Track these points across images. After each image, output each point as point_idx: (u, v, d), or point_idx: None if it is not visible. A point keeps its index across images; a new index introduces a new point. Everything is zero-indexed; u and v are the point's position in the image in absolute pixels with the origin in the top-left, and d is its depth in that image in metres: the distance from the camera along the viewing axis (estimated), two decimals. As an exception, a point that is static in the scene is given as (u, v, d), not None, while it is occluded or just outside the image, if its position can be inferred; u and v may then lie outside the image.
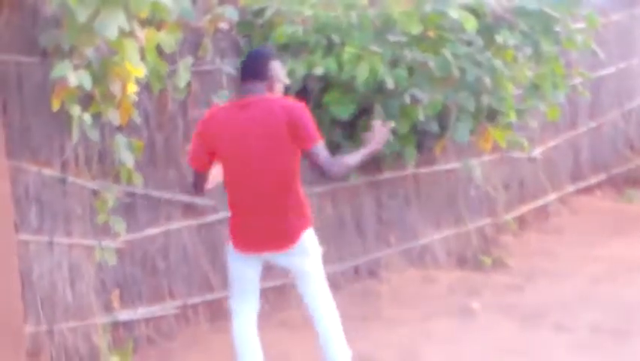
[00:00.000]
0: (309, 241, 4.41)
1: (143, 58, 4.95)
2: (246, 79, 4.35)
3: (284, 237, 4.35)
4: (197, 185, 4.53)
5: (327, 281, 4.55)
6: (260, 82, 4.31)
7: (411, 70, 6.40)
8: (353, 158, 4.41)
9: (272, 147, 4.22)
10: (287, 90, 4.56)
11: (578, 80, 8.25)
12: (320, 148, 4.24)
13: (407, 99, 6.28)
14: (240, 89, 4.42)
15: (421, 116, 6.38)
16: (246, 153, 4.24)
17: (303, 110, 4.27)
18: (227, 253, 4.61)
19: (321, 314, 4.52)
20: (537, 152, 8.46)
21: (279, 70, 4.41)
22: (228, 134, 4.27)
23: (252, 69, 4.34)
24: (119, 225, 5.27)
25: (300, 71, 6.04)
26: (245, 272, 4.50)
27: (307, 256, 4.41)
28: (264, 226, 4.33)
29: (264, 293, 6.06)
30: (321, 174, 4.32)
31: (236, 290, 4.57)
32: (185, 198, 5.86)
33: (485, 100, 6.69)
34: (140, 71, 4.87)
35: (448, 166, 7.52)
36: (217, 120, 4.34)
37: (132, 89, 4.93)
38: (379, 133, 4.49)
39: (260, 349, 4.58)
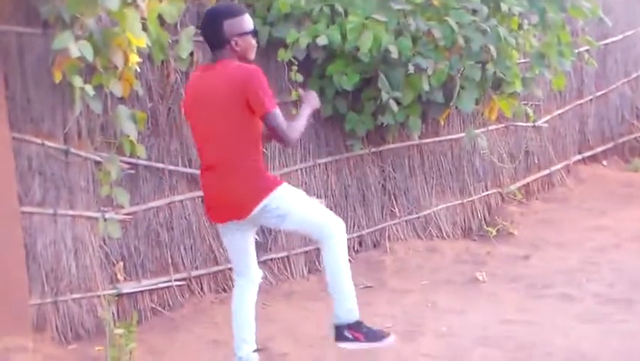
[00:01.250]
0: (281, 204, 4.16)
1: (144, 28, 4.93)
2: (209, 46, 4.24)
3: (241, 204, 4.17)
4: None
5: (332, 225, 4.27)
6: (220, 48, 4.17)
7: (415, 39, 6.38)
8: (300, 121, 4.24)
9: (222, 114, 4.09)
10: (255, 35, 4.27)
11: (584, 48, 8.22)
12: (272, 117, 4.08)
13: (411, 69, 6.27)
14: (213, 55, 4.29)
15: (426, 86, 6.37)
16: (203, 119, 4.16)
17: (255, 78, 4.07)
18: None
19: (324, 266, 4.35)
20: (543, 121, 8.44)
21: (236, 27, 4.16)
22: (191, 100, 4.23)
23: (208, 37, 4.22)
24: (122, 197, 5.28)
25: (304, 41, 6.02)
26: (230, 241, 4.42)
27: (284, 220, 4.19)
28: (221, 193, 4.20)
29: (268, 265, 6.11)
30: (278, 141, 4.23)
31: (232, 261, 4.56)
32: (189, 169, 5.86)
33: (490, 69, 6.68)
34: (142, 41, 4.86)
35: (453, 136, 7.51)
36: (188, 86, 4.34)
37: (134, 59, 4.91)
38: (309, 95, 4.43)
39: (252, 324, 4.50)
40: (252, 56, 4.26)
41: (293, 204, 4.23)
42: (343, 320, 4.29)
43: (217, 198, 4.24)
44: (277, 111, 4.10)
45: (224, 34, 4.14)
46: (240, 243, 4.42)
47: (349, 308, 4.29)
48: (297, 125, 4.21)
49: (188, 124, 4.44)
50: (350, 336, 4.30)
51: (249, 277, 4.51)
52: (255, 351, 4.57)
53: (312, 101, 4.41)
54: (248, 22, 4.22)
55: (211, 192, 4.27)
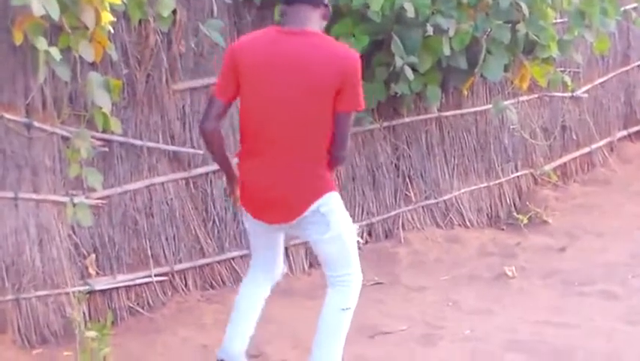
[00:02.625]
0: (331, 209, 4.22)
1: (119, -18, 4.92)
2: (294, 2, 4.18)
3: (292, 203, 4.20)
4: (208, 120, 4.27)
5: (356, 273, 4.40)
6: (312, 8, 4.16)
7: (434, -5, 6.37)
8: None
9: (310, 95, 4.06)
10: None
11: (631, 6, 8.20)
12: (348, 118, 4.18)
13: (430, 30, 6.25)
14: (286, 13, 4.23)
15: (447, 50, 6.36)
16: (275, 93, 4.10)
17: (359, 64, 4.13)
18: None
19: (328, 303, 4.42)
20: (582, 91, 8.43)
21: None
22: (264, 69, 4.12)
23: None
24: (94, 178, 5.26)
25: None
26: (259, 240, 4.46)
27: (327, 230, 4.23)
28: (273, 188, 4.19)
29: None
30: (335, 149, 4.22)
31: (255, 256, 4.59)
32: (171, 146, 5.86)
33: (522, 30, 6.66)
34: (116, -3, 4.85)
35: (478, 108, 7.50)
36: (255, 49, 4.19)
37: (107, 18, 4.89)
38: None
39: (254, 318, 4.58)
40: None
41: (342, 219, 4.30)
42: None
43: (266, 191, 4.21)
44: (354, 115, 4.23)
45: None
46: (271, 244, 4.50)
47: None
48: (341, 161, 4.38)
49: (240, 94, 4.28)
50: None
51: (270, 274, 4.58)
52: (249, 357, 4.61)
53: None
54: None
55: (259, 184, 4.23)
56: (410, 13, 6.12)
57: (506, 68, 6.91)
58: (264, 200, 4.24)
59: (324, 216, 4.20)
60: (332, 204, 4.24)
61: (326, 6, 4.24)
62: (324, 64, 4.06)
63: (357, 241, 6.02)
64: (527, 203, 7.60)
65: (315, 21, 4.18)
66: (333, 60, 4.07)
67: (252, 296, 4.58)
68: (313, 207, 4.17)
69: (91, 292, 5.40)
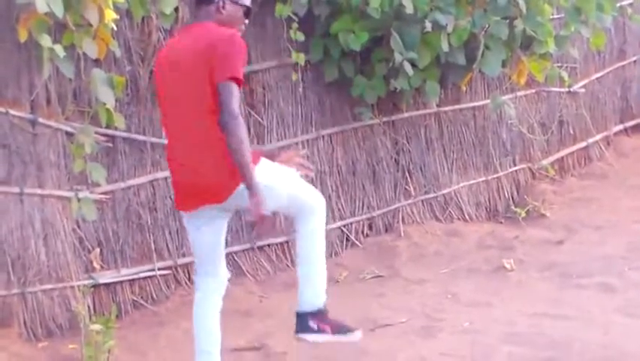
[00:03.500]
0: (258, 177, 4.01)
1: (122, -20, 4.92)
2: (194, 3, 4.24)
3: (217, 186, 4.07)
4: None
5: (311, 201, 4.27)
6: (205, 5, 4.17)
7: (433, -9, 6.37)
8: (243, 154, 3.96)
9: (191, 81, 4.03)
10: (248, 13, 4.27)
11: (627, 2, 8.18)
12: (226, 87, 3.95)
13: (429, 26, 6.25)
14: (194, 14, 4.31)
15: (445, 46, 6.35)
16: (171, 88, 4.11)
17: (229, 42, 4.01)
18: None
19: (299, 234, 4.29)
20: (579, 86, 8.42)
21: None
22: (163, 67, 4.17)
23: None
24: (98, 173, 5.27)
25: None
26: (198, 234, 4.31)
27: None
28: (191, 174, 4.11)
29: (265, 252, 6.13)
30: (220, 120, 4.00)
31: (197, 259, 4.44)
32: (174, 142, 5.86)
33: (519, 26, 6.66)
34: (119, -6, 4.85)
35: (477, 103, 7.50)
36: (163, 50, 4.33)
37: (111, 16, 4.89)
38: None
39: (217, 332, 4.39)
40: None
41: (272, 181, 4.12)
42: (308, 307, 4.25)
43: (186, 180, 4.13)
44: (235, 86, 3.96)
45: None
46: (210, 236, 4.32)
47: (318, 293, 4.26)
48: (242, 142, 3.95)
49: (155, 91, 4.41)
50: (315, 327, 4.27)
51: (217, 278, 4.42)
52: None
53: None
54: None
55: (178, 174, 4.17)
56: (409, 9, 6.12)
57: (504, 64, 6.91)
58: (189, 189, 4.14)
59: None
60: (259, 174, 4.01)
61: (220, 1, 4.15)
62: (194, 48, 4.02)
63: (357, 233, 6.05)
64: (525, 197, 7.60)
65: (212, 15, 4.16)
66: (201, 42, 4.02)
67: (207, 304, 4.40)
68: (238, 190, 3.99)
69: (95, 286, 5.41)
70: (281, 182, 4.19)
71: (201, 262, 4.38)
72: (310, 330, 4.27)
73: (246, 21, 4.27)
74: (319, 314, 4.26)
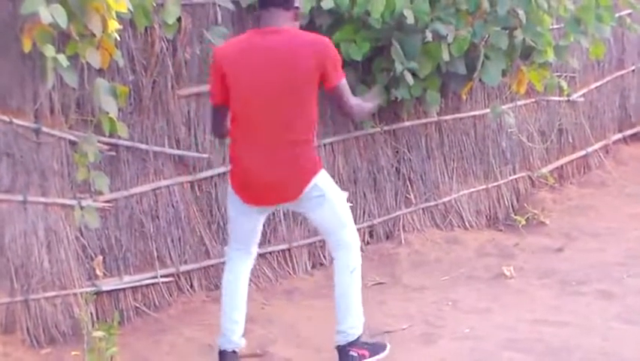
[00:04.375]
0: (324, 185, 4.55)
1: (125, -10, 4.91)
2: (267, 6, 4.49)
3: (290, 185, 4.50)
4: (216, 127, 4.77)
5: (353, 232, 4.71)
6: (284, 11, 4.46)
7: (433, 2, 6.36)
8: (365, 104, 4.76)
9: (292, 84, 4.38)
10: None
11: (626, 12, 8.18)
12: (343, 86, 4.53)
13: (429, 36, 6.24)
14: (260, 17, 4.54)
15: (446, 56, 6.35)
16: (261, 86, 4.40)
17: (331, 46, 4.49)
18: (227, 195, 4.77)
19: (337, 269, 4.68)
20: (578, 95, 8.41)
21: (301, 4, 4.66)
22: (245, 64, 4.43)
23: None
24: (101, 182, 5.27)
25: (307, 4, 5.99)
26: (243, 223, 4.70)
27: (322, 203, 4.54)
28: (268, 174, 4.47)
29: (266, 259, 6.12)
30: (343, 114, 4.78)
31: (233, 237, 4.81)
32: (176, 150, 5.86)
33: (519, 36, 6.65)
34: (122, 5, 4.83)
35: (477, 112, 7.49)
36: (235, 48, 4.55)
37: (114, 26, 4.89)
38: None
39: (244, 305, 4.80)
40: None
41: (333, 191, 4.62)
42: (348, 338, 4.61)
43: (262, 177, 4.48)
44: (345, 82, 4.55)
45: (295, 2, 4.51)
46: (253, 225, 4.75)
47: (356, 324, 4.64)
48: (368, 105, 4.78)
49: (230, 91, 4.56)
50: (355, 355, 4.62)
51: (248, 254, 4.81)
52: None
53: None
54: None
55: (253, 171, 4.49)
56: (410, 19, 6.11)
57: (504, 73, 6.90)
58: (261, 185, 4.51)
59: (322, 189, 4.52)
60: (324, 179, 4.57)
61: (297, 8, 4.54)
62: (300, 52, 4.38)
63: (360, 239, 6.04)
64: (525, 205, 7.58)
65: (287, 21, 4.48)
66: (308, 47, 4.40)
67: (237, 285, 4.80)
68: (310, 186, 4.48)
69: (98, 293, 5.39)
70: (339, 198, 4.67)
71: (236, 240, 4.79)
72: (352, 359, 4.62)
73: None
74: (356, 342, 4.63)
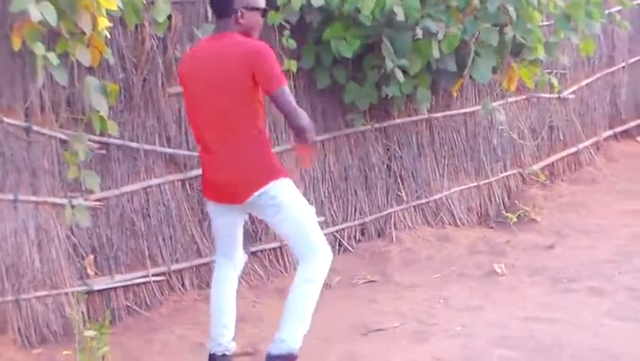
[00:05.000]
0: (280, 193, 4.47)
1: (115, -12, 4.91)
2: (215, 16, 4.60)
3: (239, 187, 4.48)
4: None
5: (318, 246, 4.57)
6: (226, 18, 4.49)
7: (424, -1, 6.37)
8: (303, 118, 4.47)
9: (224, 91, 4.39)
10: (264, 14, 4.64)
11: (616, 9, 8.20)
12: (280, 94, 4.37)
13: (419, 33, 6.25)
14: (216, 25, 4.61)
15: (436, 53, 6.36)
16: (203, 91, 4.45)
17: (265, 53, 4.39)
18: None
19: (295, 278, 4.60)
20: (569, 92, 8.43)
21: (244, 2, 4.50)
22: (193, 71, 4.51)
23: (215, 4, 4.58)
24: (91, 180, 5.27)
25: (297, 2, 6.00)
26: (217, 221, 4.73)
27: (278, 212, 4.49)
28: (220, 174, 4.51)
29: (258, 257, 6.12)
30: (289, 123, 4.48)
31: (216, 242, 4.84)
32: (167, 149, 5.85)
33: (509, 33, 6.67)
34: (112, 3, 4.83)
35: (467, 110, 7.51)
36: (189, 57, 4.67)
37: (104, 24, 4.89)
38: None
39: (233, 309, 4.78)
40: (257, 35, 4.59)
41: (293, 201, 4.52)
42: (282, 350, 4.49)
43: (215, 176, 4.53)
44: (286, 88, 4.40)
45: (232, 3, 4.46)
46: (228, 227, 4.71)
47: (297, 339, 4.53)
48: (299, 113, 4.44)
49: (183, 96, 4.76)
50: None
51: (232, 260, 4.80)
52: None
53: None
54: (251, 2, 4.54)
55: (209, 171, 4.57)
56: (400, 16, 6.12)
57: (494, 70, 6.91)
58: (216, 184, 4.56)
59: (273, 199, 4.45)
60: (281, 189, 4.48)
61: (236, 11, 4.48)
62: (232, 58, 4.38)
63: (350, 238, 6.06)
64: (516, 202, 7.60)
65: (232, 26, 4.49)
66: (239, 53, 4.38)
67: (223, 279, 4.80)
68: (260, 192, 4.44)
69: (89, 292, 5.39)
70: (301, 208, 4.55)
71: (219, 244, 4.81)
72: None
73: (261, 21, 4.62)
74: (290, 358, 4.51)
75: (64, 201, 5.29)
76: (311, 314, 4.57)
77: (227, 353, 4.73)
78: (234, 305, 4.80)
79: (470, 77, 6.82)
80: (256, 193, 4.43)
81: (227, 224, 4.70)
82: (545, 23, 7.55)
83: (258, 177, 4.45)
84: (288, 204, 4.48)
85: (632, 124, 9.32)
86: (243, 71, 4.34)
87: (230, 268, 4.79)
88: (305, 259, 4.56)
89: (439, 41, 6.35)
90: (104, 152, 5.54)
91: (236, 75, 4.35)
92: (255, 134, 4.46)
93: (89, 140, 5.29)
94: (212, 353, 4.73)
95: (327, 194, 6.64)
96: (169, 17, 5.59)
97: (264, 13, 4.62)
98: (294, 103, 4.39)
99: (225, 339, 4.72)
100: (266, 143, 4.54)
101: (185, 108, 4.74)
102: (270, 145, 4.69)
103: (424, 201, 7.17)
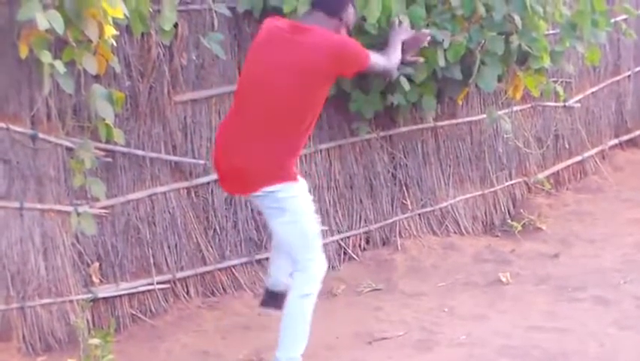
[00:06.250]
0: (288, 197, 4.49)
1: (122, -4, 4.92)
2: (316, 8, 4.67)
3: (252, 176, 4.50)
4: None
5: (315, 259, 4.63)
6: (328, 18, 4.58)
7: (429, 7, 6.36)
8: (393, 52, 4.97)
9: (292, 80, 4.41)
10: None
11: (621, 18, 8.20)
12: (373, 62, 4.66)
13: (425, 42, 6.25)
14: (306, 13, 4.77)
15: (441, 61, 6.36)
16: (266, 73, 4.50)
17: (347, 45, 4.55)
18: None
19: (290, 290, 4.66)
20: (574, 101, 8.43)
21: (351, 17, 4.69)
22: (266, 47, 4.60)
23: (327, 2, 4.64)
24: (97, 188, 5.27)
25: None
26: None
27: (282, 215, 4.51)
28: (235, 163, 4.52)
29: (261, 264, 6.15)
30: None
31: None
32: (173, 157, 5.86)
33: (515, 41, 6.66)
34: (119, 11, 4.83)
35: (473, 118, 7.50)
36: (272, 29, 4.70)
37: (110, 32, 4.89)
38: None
39: (285, 271, 4.89)
40: None
41: (299, 208, 4.54)
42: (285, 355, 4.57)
43: (233, 165, 4.52)
44: (372, 58, 4.65)
45: (341, 13, 4.62)
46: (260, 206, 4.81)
47: (291, 356, 4.58)
48: (392, 56, 4.86)
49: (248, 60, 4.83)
50: None
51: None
52: None
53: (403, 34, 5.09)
54: (354, 18, 4.79)
55: (231, 158, 4.54)
56: (406, 25, 6.12)
57: (500, 79, 6.90)
58: (230, 172, 4.58)
59: (280, 202, 4.47)
60: (291, 192, 4.50)
61: (341, 20, 4.61)
62: (315, 51, 4.42)
63: (355, 246, 6.07)
64: (521, 210, 7.60)
65: (329, 26, 4.57)
66: (324, 47, 4.42)
67: (278, 256, 5.01)
68: (268, 190, 4.46)
69: (94, 300, 5.40)
70: (306, 217, 4.58)
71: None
72: None
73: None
74: None
75: (70, 208, 5.30)
76: (309, 327, 4.60)
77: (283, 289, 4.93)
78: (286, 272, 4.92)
79: (476, 85, 6.81)
80: (264, 189, 4.45)
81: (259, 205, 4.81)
82: (551, 32, 7.55)
83: (270, 174, 4.45)
84: (293, 211, 4.50)
85: (638, 133, 9.30)
86: (326, 66, 4.43)
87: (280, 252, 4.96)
88: (301, 270, 4.58)
89: (445, 50, 6.34)
90: (109, 160, 5.55)
91: (323, 69, 4.43)
92: (294, 145, 4.51)
93: (95, 147, 5.30)
94: (269, 288, 5.10)
95: (332, 202, 6.63)
96: (175, 25, 5.60)
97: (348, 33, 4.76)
98: (383, 61, 4.78)
99: (281, 277, 4.95)
100: (295, 149, 4.56)
101: (242, 72, 4.85)
102: (299, 152, 4.74)
103: (429, 209, 7.17)
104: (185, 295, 5.90)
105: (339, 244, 6.63)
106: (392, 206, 6.99)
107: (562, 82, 8.01)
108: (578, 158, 8.52)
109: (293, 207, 4.50)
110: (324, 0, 4.65)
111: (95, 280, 5.44)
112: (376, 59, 4.69)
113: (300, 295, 4.57)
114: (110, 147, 5.50)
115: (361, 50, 4.61)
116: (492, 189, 7.60)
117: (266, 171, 4.46)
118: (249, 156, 4.46)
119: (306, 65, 4.40)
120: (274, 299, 5.01)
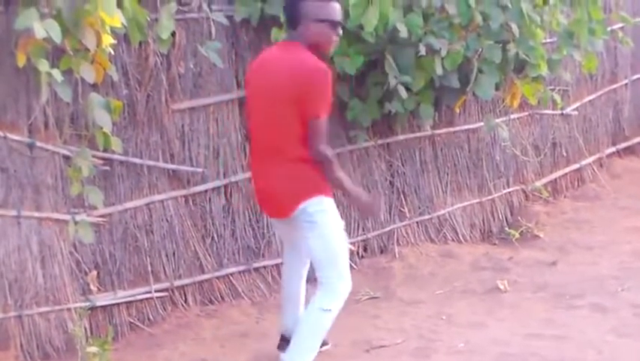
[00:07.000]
0: (317, 211, 4.48)
1: (120, 5, 4.91)
2: (286, 22, 4.66)
3: (283, 202, 4.54)
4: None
5: (342, 277, 4.62)
6: (292, 30, 4.52)
7: (427, 16, 6.38)
8: (344, 179, 4.56)
9: (273, 102, 4.41)
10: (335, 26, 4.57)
11: (618, 26, 8.22)
12: (313, 125, 4.37)
13: (422, 50, 6.26)
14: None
15: (439, 70, 6.37)
16: (255, 101, 4.60)
17: (313, 78, 4.34)
18: None
19: (311, 303, 4.62)
20: (572, 108, 8.44)
21: (312, 10, 4.43)
22: (252, 77, 4.68)
23: (285, 15, 4.62)
24: (95, 196, 5.26)
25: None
26: (276, 229, 5.06)
27: (312, 229, 4.50)
28: (263, 188, 4.63)
29: (260, 273, 6.14)
30: (310, 149, 4.43)
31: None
32: (170, 165, 5.86)
33: (512, 50, 6.68)
34: (116, 20, 4.84)
35: (470, 126, 7.51)
36: (257, 61, 4.74)
37: (108, 41, 4.89)
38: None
39: (300, 297, 4.96)
40: (328, 50, 4.58)
41: (330, 222, 4.54)
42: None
43: (262, 190, 4.63)
44: (320, 123, 4.37)
45: (299, 14, 4.45)
46: (287, 234, 4.91)
47: (310, 355, 4.58)
48: (340, 174, 4.52)
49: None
50: None
51: (296, 260, 4.94)
52: None
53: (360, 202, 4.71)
54: (331, 9, 4.48)
55: (257, 183, 4.70)
56: (403, 33, 6.13)
57: (497, 87, 6.92)
58: (262, 196, 4.68)
59: (312, 215, 4.46)
60: (321, 206, 4.49)
61: (300, 23, 4.47)
62: (284, 73, 4.38)
63: (352, 254, 6.05)
64: (519, 218, 7.60)
65: (299, 37, 4.49)
66: (291, 69, 4.37)
67: (291, 280, 4.98)
68: (302, 206, 4.45)
69: (92, 308, 5.39)
70: (335, 233, 4.58)
71: (286, 243, 5.01)
72: None
73: (334, 36, 4.56)
74: None
75: (68, 217, 5.29)
76: (319, 342, 4.63)
77: None
78: (302, 295, 4.99)
79: (473, 93, 6.82)
80: (298, 208, 4.45)
81: (285, 233, 4.93)
82: (548, 40, 7.57)
83: (299, 192, 4.46)
84: (323, 223, 4.49)
85: (635, 140, 9.31)
86: (290, 89, 4.33)
87: (296, 260, 4.95)
88: (326, 286, 4.56)
89: (442, 58, 6.36)
90: (107, 168, 5.55)
91: (285, 91, 4.35)
92: (304, 156, 4.43)
93: (93, 156, 5.29)
94: (283, 334, 5.01)
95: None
96: (173, 34, 5.60)
97: (334, 25, 4.52)
98: (317, 141, 4.35)
99: (292, 325, 4.86)
100: (302, 159, 4.45)
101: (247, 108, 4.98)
102: (310, 160, 4.55)
103: (426, 217, 7.17)
104: (183, 304, 5.89)
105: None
106: (390, 214, 6.99)
107: (559, 90, 8.03)
108: (576, 166, 8.52)
109: (323, 222, 4.48)
110: (284, 9, 4.66)
111: (93, 288, 5.43)
112: (319, 127, 4.37)
113: (321, 308, 4.55)
114: (107, 155, 5.50)
115: (324, 97, 4.38)
116: (490, 197, 7.61)
117: (289, 188, 4.48)
118: (268, 177, 4.55)
119: (277, 88, 4.39)
120: (289, 343, 4.92)
